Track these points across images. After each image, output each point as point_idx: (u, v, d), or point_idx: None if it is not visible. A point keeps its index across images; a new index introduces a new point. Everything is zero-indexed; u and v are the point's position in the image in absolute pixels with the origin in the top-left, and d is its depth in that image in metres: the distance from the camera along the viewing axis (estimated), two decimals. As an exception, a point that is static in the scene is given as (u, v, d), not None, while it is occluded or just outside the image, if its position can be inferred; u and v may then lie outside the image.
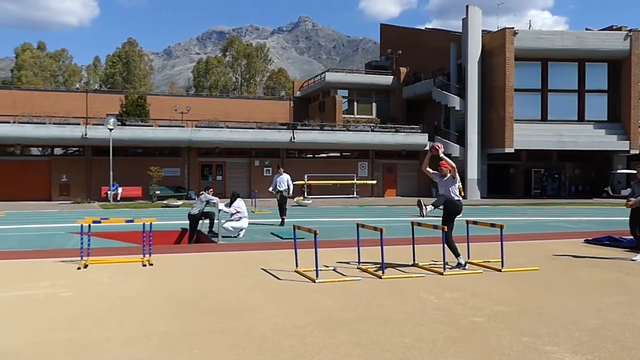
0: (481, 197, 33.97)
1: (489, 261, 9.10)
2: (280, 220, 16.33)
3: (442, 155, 8.72)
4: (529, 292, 7.02)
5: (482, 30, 34.97)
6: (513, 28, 33.36)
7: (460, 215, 8.77)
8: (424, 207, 8.75)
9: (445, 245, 8.43)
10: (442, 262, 8.43)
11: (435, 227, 8.56)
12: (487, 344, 4.82)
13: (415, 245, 9.19)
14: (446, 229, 8.41)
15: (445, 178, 8.72)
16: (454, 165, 8.70)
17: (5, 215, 20.33)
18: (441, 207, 8.18)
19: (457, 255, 8.65)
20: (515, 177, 38.36)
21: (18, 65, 74.51)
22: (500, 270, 8.47)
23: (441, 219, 8.71)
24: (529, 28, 41.05)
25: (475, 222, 9.52)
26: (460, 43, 35.30)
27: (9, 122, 29.88)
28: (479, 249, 10.19)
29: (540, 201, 30.87)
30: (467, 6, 34.30)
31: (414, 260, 9.02)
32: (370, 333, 5.14)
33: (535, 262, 9.35)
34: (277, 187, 16.58)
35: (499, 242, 8.71)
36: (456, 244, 8.60)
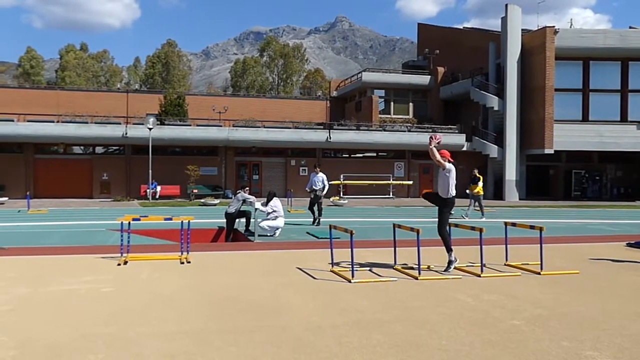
0: (520, 199, 33.41)
1: (528, 264, 8.95)
2: (312, 218, 16.34)
3: (431, 147, 8.55)
4: (569, 296, 6.88)
5: (522, 29, 34.39)
6: (554, 27, 32.71)
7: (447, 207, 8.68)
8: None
9: (482, 247, 8.31)
10: (480, 264, 8.32)
11: (472, 228, 8.46)
12: (525, 348, 4.74)
13: (452, 247, 9.08)
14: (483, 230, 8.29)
15: (443, 170, 8.66)
16: (437, 158, 8.55)
17: (48, 212, 20.87)
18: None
19: (448, 250, 8.54)
20: (554, 178, 37.63)
21: (62, 66, 76.34)
22: (539, 273, 8.32)
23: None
24: (570, 27, 40.22)
25: (514, 224, 9.37)
26: (500, 42, 34.78)
27: (53, 122, 30.67)
28: (517, 251, 10.03)
29: (580, 203, 30.23)
30: (506, 5, 33.79)
31: (450, 261, 8.92)
32: (407, 334, 5.12)
33: (576, 265, 9.16)
34: (313, 186, 16.61)
35: (538, 245, 8.57)
36: (486, 247, 8.48)
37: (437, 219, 8.79)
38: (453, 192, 8.53)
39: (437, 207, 8.80)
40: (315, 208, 16.45)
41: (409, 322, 5.53)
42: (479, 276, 8.06)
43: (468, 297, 6.75)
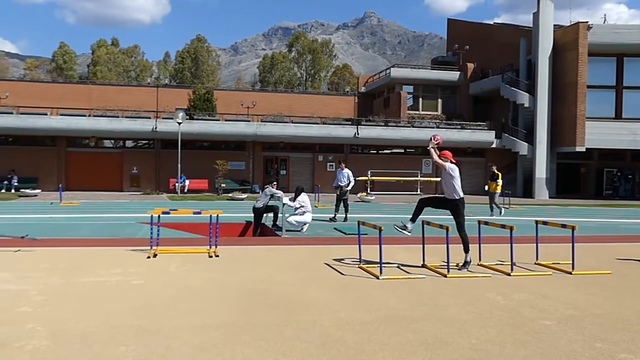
0: (550, 197, 32.96)
1: (559, 263, 8.81)
2: (334, 214, 16.31)
3: (429, 147, 8.36)
4: (602, 297, 6.75)
5: (554, 25, 33.84)
6: (587, 22, 32.11)
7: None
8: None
9: (513, 245, 8.19)
10: (510, 263, 8.21)
11: (503, 226, 8.35)
12: (558, 349, 4.67)
13: (482, 245, 8.99)
14: (515, 228, 8.17)
15: (444, 171, 8.41)
16: (436, 159, 8.36)
17: (80, 205, 21.22)
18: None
19: (466, 250, 8.37)
20: (586, 176, 37.03)
21: (94, 61, 77.53)
22: (570, 273, 8.19)
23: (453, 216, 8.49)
24: (604, 22, 39.41)
25: (545, 223, 9.22)
26: (531, 38, 34.27)
27: (85, 116, 31.21)
28: (548, 250, 9.89)
29: (612, 202, 29.66)
30: (538, 0, 33.27)
31: (479, 259, 8.84)
32: (436, 332, 5.07)
33: (608, 265, 8.99)
34: (339, 182, 16.57)
35: (569, 244, 8.42)
36: (521, 245, 8.36)
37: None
38: (461, 193, 8.34)
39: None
40: (341, 205, 16.41)
41: (438, 320, 5.49)
42: (509, 275, 7.96)
43: (498, 295, 6.67)
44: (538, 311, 5.95)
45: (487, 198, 19.75)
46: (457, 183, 8.29)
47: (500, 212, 19.01)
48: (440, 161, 8.33)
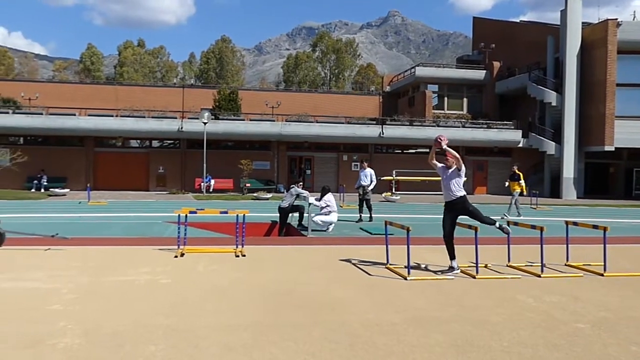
0: (577, 197, 32.50)
1: (590, 264, 8.65)
2: (358, 216, 16.18)
3: (445, 147, 8.03)
4: (636, 299, 6.60)
5: (582, 23, 33.33)
6: (616, 19, 31.58)
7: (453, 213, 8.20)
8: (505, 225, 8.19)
9: (543, 246, 8.05)
10: (540, 264, 8.08)
11: (533, 227, 8.23)
12: (592, 352, 4.57)
13: (510, 246, 8.86)
14: (543, 229, 8.03)
15: (450, 170, 8.14)
16: (457, 156, 8.09)
17: (107, 204, 21.48)
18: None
19: (452, 257, 8.06)
20: (615, 176, 36.42)
21: (120, 62, 78.48)
22: (602, 275, 8.03)
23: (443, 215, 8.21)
24: (633, 19, 38.70)
25: (575, 223, 9.06)
26: (558, 36, 33.82)
27: (112, 116, 31.61)
28: (578, 251, 9.71)
29: (643, 203, 29.09)
30: (566, -3, 32.82)
31: (509, 260, 8.72)
32: (466, 334, 5.01)
33: (641, 267, 8.80)
34: (361, 182, 16.45)
35: (599, 245, 8.27)
36: (544, 246, 8.20)
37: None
38: (463, 190, 8.12)
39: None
40: (364, 206, 16.27)
41: (468, 322, 5.41)
42: (539, 276, 7.83)
43: (528, 297, 6.56)
44: (570, 314, 5.84)
45: (517, 198, 19.09)
46: (462, 181, 8.15)
47: (519, 214, 18.48)
48: (458, 157, 8.12)
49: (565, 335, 5.04)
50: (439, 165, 8.37)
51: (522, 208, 19.21)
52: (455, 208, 8.09)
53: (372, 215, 16.14)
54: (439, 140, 8.04)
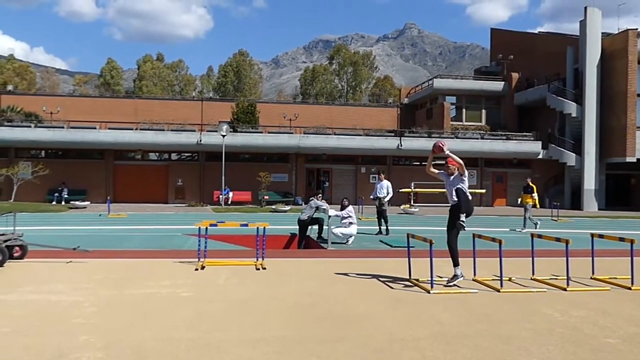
0: (599, 209, 32.03)
1: (616, 278, 8.47)
2: (378, 228, 16.03)
3: (447, 152, 7.93)
4: (667, 314, 6.44)
5: (602, 33, 33.04)
6: (636, 29, 31.28)
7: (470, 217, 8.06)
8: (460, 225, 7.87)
9: (569, 259, 7.89)
10: (565, 277, 7.92)
11: (558, 239, 8.08)
12: (625, 369, 4.44)
13: (535, 258, 8.71)
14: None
15: (452, 177, 8.03)
16: (461, 162, 7.93)
17: (127, 217, 21.59)
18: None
19: (456, 264, 7.88)
20: (636, 188, 35.83)
21: (139, 75, 79.27)
22: (629, 289, 7.85)
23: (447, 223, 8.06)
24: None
25: (601, 236, 8.89)
26: (578, 46, 33.53)
27: (131, 129, 31.85)
28: (603, 264, 9.51)
29: (667, 215, 28.59)
30: (585, 7, 32.59)
31: (533, 273, 8.57)
32: (494, 349, 4.90)
33: (670, 281, 8.59)
34: (377, 193, 16.35)
35: (624, 258, 8.10)
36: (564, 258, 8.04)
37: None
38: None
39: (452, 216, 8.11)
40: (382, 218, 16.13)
41: (495, 337, 5.30)
42: (565, 290, 7.68)
43: (555, 311, 6.42)
44: (600, 328, 5.70)
45: (529, 210, 18.48)
46: (466, 187, 8.02)
47: (524, 226, 18.24)
48: (462, 163, 7.96)
49: (595, 351, 4.92)
50: (437, 172, 8.31)
51: (542, 220, 18.85)
52: (452, 212, 8.01)
53: (388, 227, 15.95)
54: (440, 145, 7.98)
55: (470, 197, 8.09)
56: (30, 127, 31.13)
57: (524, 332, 5.51)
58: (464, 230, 7.91)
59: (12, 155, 31.25)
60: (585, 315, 6.26)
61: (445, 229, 8.15)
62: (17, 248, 9.49)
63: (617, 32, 33.41)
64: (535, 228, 17.69)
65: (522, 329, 5.63)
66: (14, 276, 8.17)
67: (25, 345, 4.82)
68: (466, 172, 8.07)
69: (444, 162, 8.27)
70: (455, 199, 7.95)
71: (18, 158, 30.93)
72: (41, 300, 6.62)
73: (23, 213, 22.49)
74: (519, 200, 19.26)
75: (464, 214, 7.92)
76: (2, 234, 9.39)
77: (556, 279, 8.39)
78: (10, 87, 47.70)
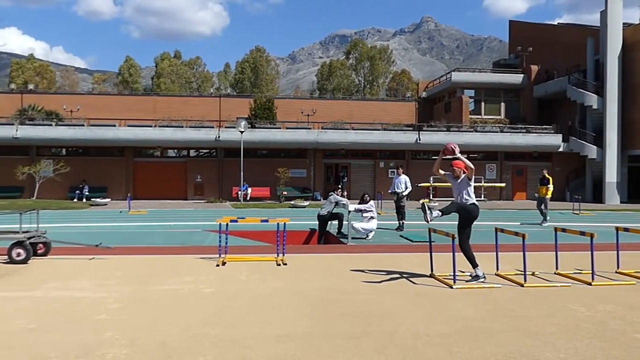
0: (621, 202, 31.62)
1: (642, 272, 8.34)
2: (398, 223, 15.77)
3: (458, 154, 7.80)
4: (697, 309, 6.32)
5: (623, 23, 32.54)
6: (660, 19, 30.73)
7: (477, 219, 7.92)
8: (428, 212, 7.69)
9: (594, 253, 7.77)
10: (590, 272, 7.81)
11: (582, 233, 7.96)
12: (656, 365, 4.36)
13: (558, 252, 8.60)
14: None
15: (459, 180, 7.88)
16: (472, 166, 7.78)
17: (147, 213, 21.74)
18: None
19: (474, 265, 7.76)
20: (660, 181, 35.32)
21: (157, 73, 79.72)
22: (656, 283, 7.73)
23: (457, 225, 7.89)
24: (678, 18, 37.62)
25: (626, 229, 8.75)
26: (598, 38, 33.07)
27: (150, 126, 32.08)
28: (628, 257, 9.38)
29: (691, 207, 28.13)
30: (606, -2, 32.10)
31: (556, 267, 8.46)
32: (520, 345, 4.83)
33: (698, 275, 8.43)
34: (395, 188, 16.10)
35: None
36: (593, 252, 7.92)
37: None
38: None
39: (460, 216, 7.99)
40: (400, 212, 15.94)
41: (521, 332, 5.24)
42: (590, 284, 7.57)
43: (581, 306, 6.33)
44: (627, 324, 5.60)
45: (546, 203, 18.29)
46: (472, 189, 7.93)
47: (545, 219, 17.98)
48: (471, 165, 7.85)
49: (624, 347, 4.83)
50: (443, 173, 8.20)
51: (563, 213, 18.64)
52: (461, 214, 7.89)
53: (404, 222, 15.64)
54: (451, 148, 7.84)
55: (477, 203, 7.91)
56: (51, 125, 31.48)
57: (550, 327, 5.44)
58: (429, 215, 7.70)
59: (34, 154, 31.65)
60: (612, 310, 6.16)
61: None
62: (41, 245, 9.60)
63: (638, 22, 32.88)
64: (544, 221, 17.59)
65: (548, 324, 5.56)
66: (38, 273, 8.26)
67: (52, 341, 4.86)
68: (473, 177, 7.93)
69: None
70: (466, 199, 7.79)
71: (39, 156, 31.32)
72: (66, 297, 6.67)
73: (45, 210, 22.75)
74: (536, 194, 19.10)
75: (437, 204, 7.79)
76: (26, 231, 9.50)
77: (580, 273, 8.28)
78: (31, 87, 48.32)
